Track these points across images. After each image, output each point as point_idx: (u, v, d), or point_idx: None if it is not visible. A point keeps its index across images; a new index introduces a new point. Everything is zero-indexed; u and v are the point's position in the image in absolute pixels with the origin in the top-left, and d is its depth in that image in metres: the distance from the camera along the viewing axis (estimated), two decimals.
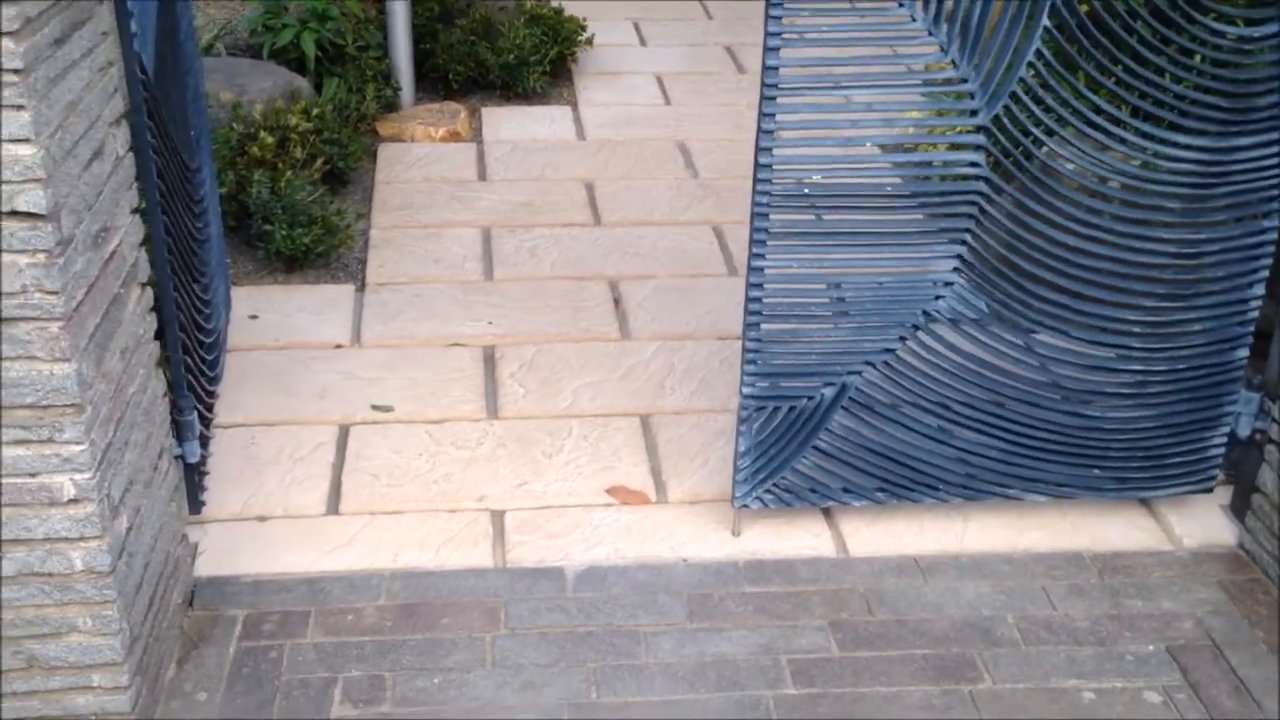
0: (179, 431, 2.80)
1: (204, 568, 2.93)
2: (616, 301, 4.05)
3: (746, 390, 2.88)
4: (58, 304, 2.06)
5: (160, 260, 2.69)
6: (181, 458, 2.83)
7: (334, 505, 3.14)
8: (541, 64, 5.48)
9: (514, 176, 4.85)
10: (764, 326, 2.82)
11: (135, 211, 2.48)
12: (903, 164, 2.87)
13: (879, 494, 3.05)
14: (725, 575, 2.97)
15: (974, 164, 2.67)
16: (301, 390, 3.54)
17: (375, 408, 3.49)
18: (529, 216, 4.55)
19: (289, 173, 4.20)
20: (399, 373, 3.64)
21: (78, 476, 2.18)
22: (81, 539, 2.23)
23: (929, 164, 2.92)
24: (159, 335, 2.64)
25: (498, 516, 3.13)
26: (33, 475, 2.17)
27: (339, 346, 3.77)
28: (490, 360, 3.73)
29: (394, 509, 3.14)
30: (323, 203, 4.21)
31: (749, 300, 2.80)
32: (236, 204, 4.19)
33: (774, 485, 3.01)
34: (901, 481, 3.03)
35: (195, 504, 2.95)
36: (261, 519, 3.08)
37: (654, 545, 3.05)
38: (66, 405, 2.12)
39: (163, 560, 2.62)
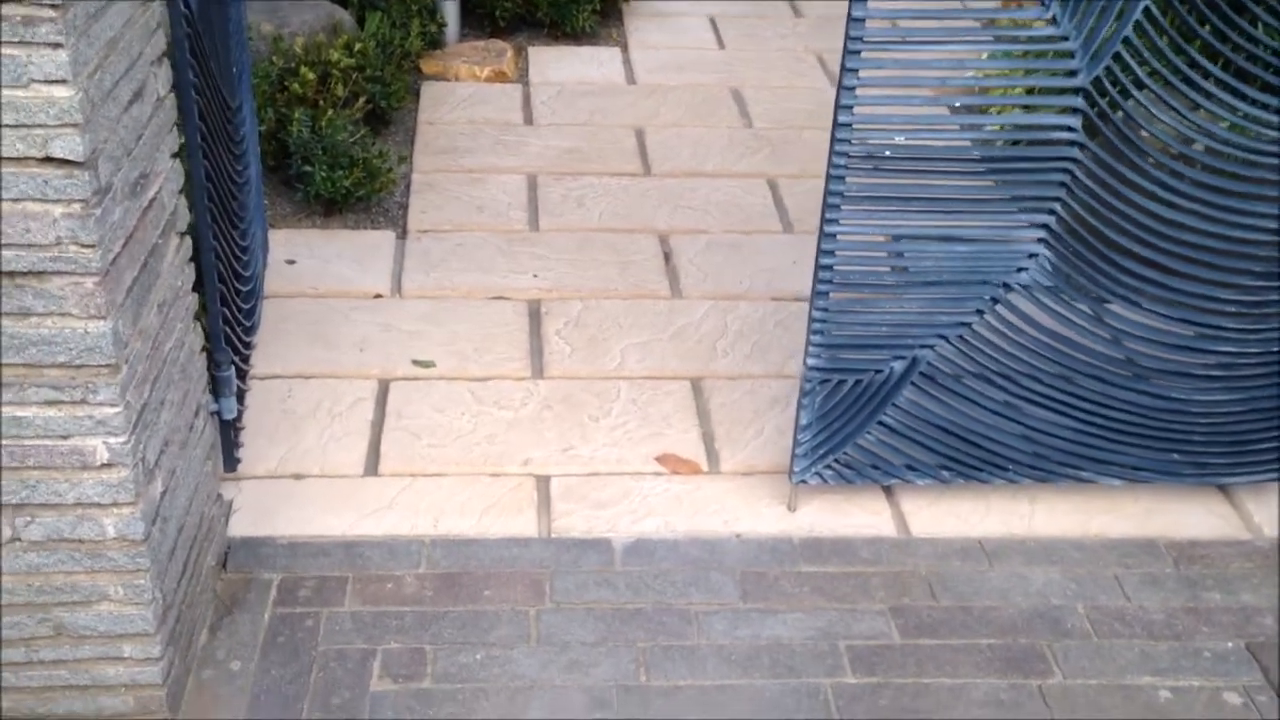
0: (216, 387, 2.67)
1: (238, 527, 2.81)
2: (667, 257, 3.89)
3: (812, 362, 2.73)
4: (94, 258, 1.92)
5: (200, 206, 2.55)
6: (218, 414, 2.70)
7: (373, 465, 3.02)
8: (592, 2, 5.28)
9: (561, 121, 4.67)
10: (834, 295, 2.66)
11: (175, 156, 2.33)
12: (991, 126, 2.69)
13: (944, 472, 2.90)
14: (780, 553, 2.84)
15: (1069, 128, 2.49)
16: (340, 342, 3.41)
17: (416, 363, 3.36)
18: (576, 164, 4.38)
19: (330, 111, 4.04)
20: (441, 326, 3.50)
21: (112, 440, 2.05)
22: (115, 505, 2.11)
23: (1021, 127, 2.74)
24: (196, 286, 2.50)
25: (543, 483, 3.00)
26: (64, 438, 2.04)
27: (379, 296, 3.63)
28: (535, 315, 3.58)
29: (435, 471, 3.01)
30: (364, 144, 4.06)
31: (820, 268, 2.63)
32: (275, 143, 4.03)
33: (835, 461, 2.87)
34: (968, 460, 2.88)
35: (231, 461, 2.83)
36: (298, 477, 2.96)
37: (705, 518, 2.92)
38: (101, 365, 1.99)
39: (197, 523, 2.50)
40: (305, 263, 3.75)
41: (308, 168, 3.94)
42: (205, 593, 2.58)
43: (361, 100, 4.24)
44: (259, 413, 3.13)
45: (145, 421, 2.15)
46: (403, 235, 3.93)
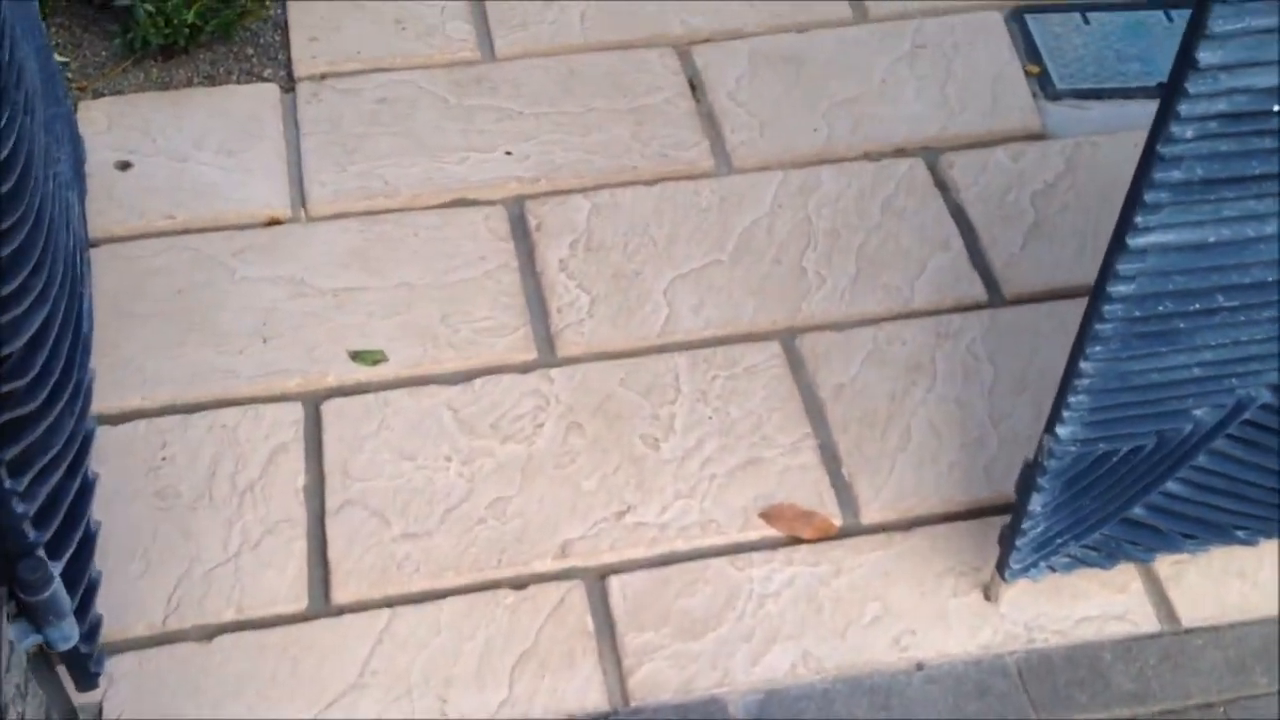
0: (30, 612, 1.49)
1: None
2: (694, 88, 2.59)
3: (1066, 431, 1.59)
4: None
5: None
6: (47, 646, 1.54)
7: (321, 591, 1.88)
8: None
9: None
10: (1124, 332, 1.49)
11: None
12: None
13: (1239, 532, 1.84)
14: (995, 694, 1.81)
15: None
16: (228, 326, 2.16)
17: (356, 357, 2.14)
18: None
19: None
20: (382, 275, 2.25)
21: None
22: None
23: None
24: None
25: (597, 591, 1.90)
26: None
27: (275, 222, 2.33)
28: (521, 230, 2.33)
29: (423, 591, 1.88)
30: None
31: (1104, 295, 1.44)
32: None
33: (1078, 547, 1.79)
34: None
35: (89, 679, 1.68)
36: (204, 636, 1.82)
37: (863, 634, 1.86)
38: None
39: None
40: (147, 163, 2.41)
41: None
42: None
43: None
44: (118, 503, 1.93)
45: None
46: (290, 86, 2.57)
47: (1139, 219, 1.36)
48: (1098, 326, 1.46)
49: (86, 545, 1.71)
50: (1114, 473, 1.67)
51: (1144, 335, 1.49)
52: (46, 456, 1.51)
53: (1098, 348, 1.49)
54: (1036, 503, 1.68)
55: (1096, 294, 1.45)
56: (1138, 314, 1.46)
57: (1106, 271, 1.43)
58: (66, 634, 1.52)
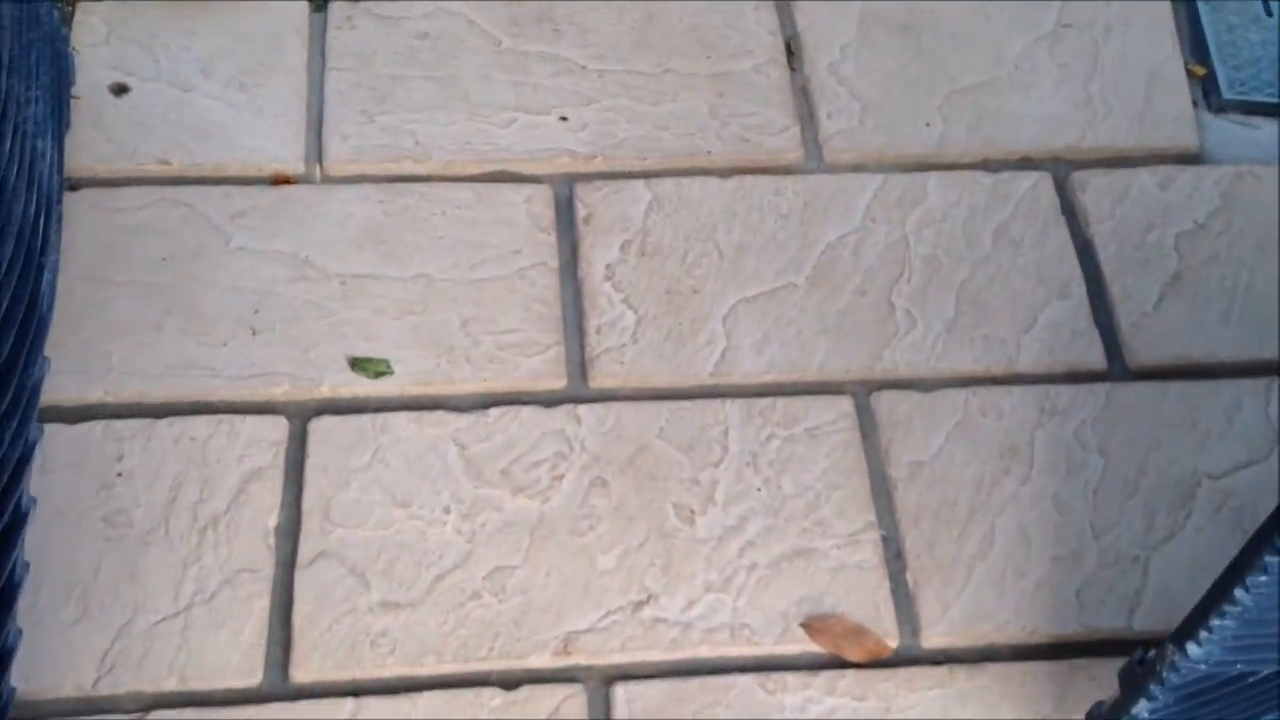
0: None
1: None
2: (790, 54, 2.19)
3: (1200, 652, 1.25)
4: None
5: None
6: None
7: (279, 666, 1.61)
8: None
9: None
10: None
11: None
12: None
13: None
14: None
15: None
16: (214, 308, 1.85)
17: (357, 365, 1.83)
18: None
19: None
20: (398, 257, 1.92)
21: None
22: None
23: None
24: None
25: (599, 698, 1.61)
26: None
27: (282, 180, 2.00)
28: (567, 219, 1.99)
29: (397, 677, 1.61)
30: None
31: None
32: None
33: None
34: None
35: None
36: (139, 703, 1.56)
37: None
38: None
39: None
40: (145, 90, 2.07)
41: None
42: None
43: None
44: (60, 526, 1.66)
45: None
46: (322, 6, 2.20)
47: None
48: (1270, 559, 1.12)
49: (7, 599, 1.45)
50: (1247, 691, 1.34)
51: None
52: None
53: (1263, 578, 1.14)
54: (1144, 709, 1.36)
55: (1273, 524, 1.10)
56: None
57: None
58: None
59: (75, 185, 1.96)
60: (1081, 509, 1.77)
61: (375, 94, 2.09)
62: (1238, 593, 1.16)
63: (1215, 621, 1.21)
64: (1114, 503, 1.78)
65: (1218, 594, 1.20)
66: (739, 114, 2.11)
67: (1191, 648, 1.25)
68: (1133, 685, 1.36)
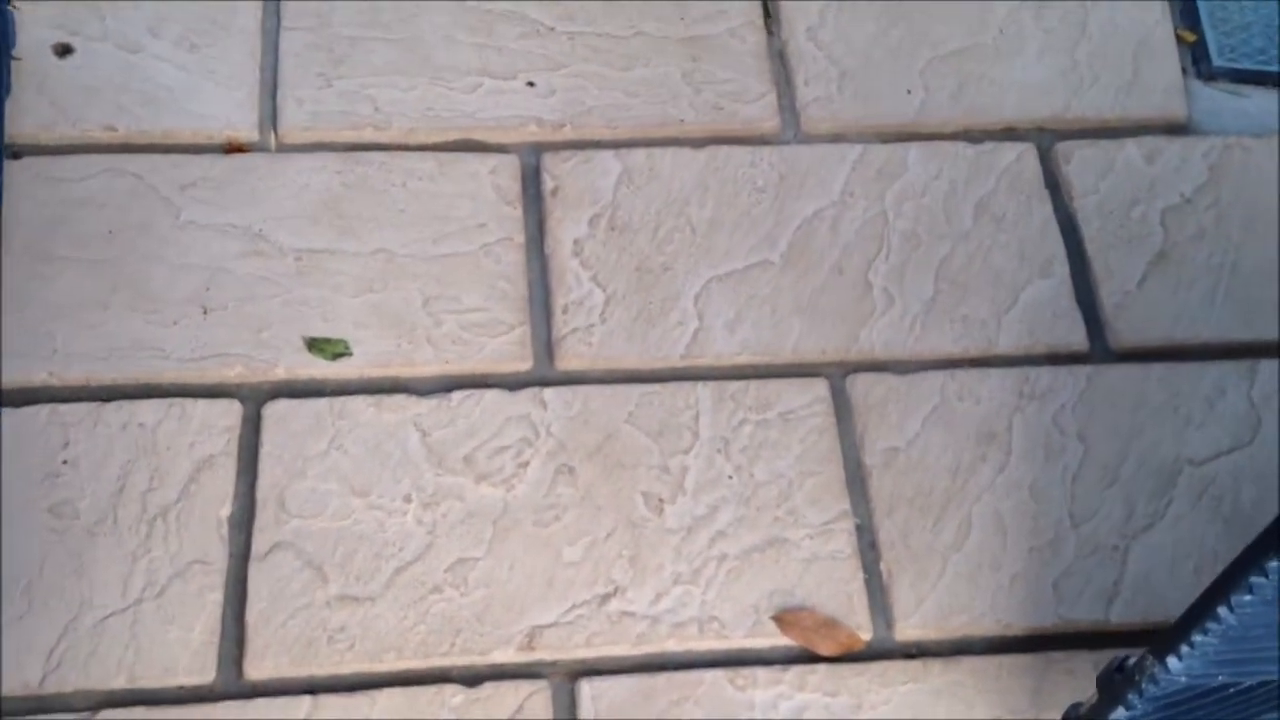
0: None
1: None
2: (768, 16, 2.11)
3: (1180, 666, 1.21)
4: None
5: None
6: None
7: (232, 662, 1.55)
8: None
9: None
10: None
11: None
12: None
13: None
14: None
15: None
16: (162, 288, 1.77)
17: (314, 346, 1.76)
18: None
19: None
20: (356, 231, 1.85)
21: None
22: None
23: None
24: None
25: (564, 694, 1.57)
26: None
27: (235, 148, 1.91)
28: (534, 191, 1.91)
29: (355, 674, 1.56)
30: None
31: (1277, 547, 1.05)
32: None
33: None
34: None
35: None
36: (88, 701, 1.51)
37: None
38: None
39: None
40: (90, 50, 1.97)
41: None
42: None
43: None
44: (4, 517, 1.59)
45: None
46: None
47: None
48: (1256, 580, 1.07)
49: None
50: (1228, 701, 1.30)
51: None
52: None
53: (1248, 597, 1.10)
54: (1121, 715, 1.32)
55: (1263, 544, 1.05)
56: None
57: None
58: None
59: (17, 153, 1.87)
60: (1060, 497, 1.72)
61: (333, 56, 2.00)
62: (1221, 611, 1.12)
63: (1198, 638, 1.17)
64: (1093, 490, 1.73)
65: (1201, 610, 1.16)
66: (713, 80, 2.03)
67: (1172, 661, 1.21)
68: (1110, 693, 1.32)
